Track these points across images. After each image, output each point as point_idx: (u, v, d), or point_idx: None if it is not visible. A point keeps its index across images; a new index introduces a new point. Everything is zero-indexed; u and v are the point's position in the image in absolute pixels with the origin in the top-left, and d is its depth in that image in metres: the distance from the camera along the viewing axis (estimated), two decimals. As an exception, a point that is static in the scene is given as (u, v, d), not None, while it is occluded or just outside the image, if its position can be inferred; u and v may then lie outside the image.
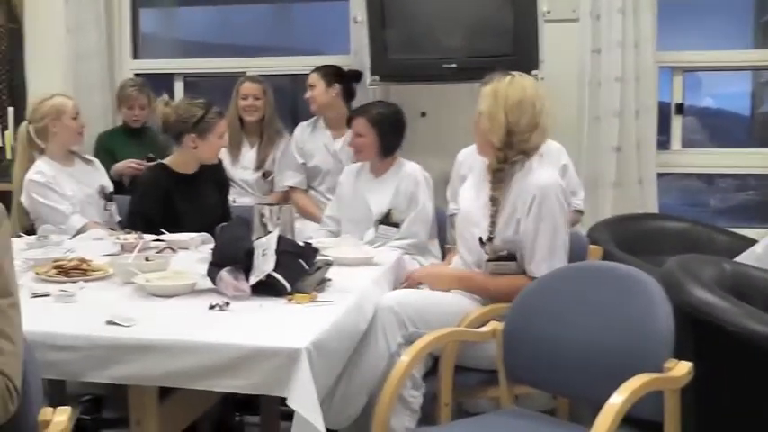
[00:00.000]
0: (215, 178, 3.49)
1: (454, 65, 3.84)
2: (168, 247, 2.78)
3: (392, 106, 3.59)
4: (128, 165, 4.07)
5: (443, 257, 3.36)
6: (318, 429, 1.81)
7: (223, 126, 3.35)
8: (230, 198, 3.79)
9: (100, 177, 3.74)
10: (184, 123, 3.26)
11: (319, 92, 4.00)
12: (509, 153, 2.59)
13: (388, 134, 3.46)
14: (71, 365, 1.90)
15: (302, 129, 4.16)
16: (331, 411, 2.39)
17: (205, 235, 3.00)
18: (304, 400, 1.79)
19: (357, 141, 3.48)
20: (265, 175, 4.20)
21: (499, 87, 2.60)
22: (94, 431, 3.11)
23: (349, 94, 4.11)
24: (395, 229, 3.38)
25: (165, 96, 3.40)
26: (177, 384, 1.89)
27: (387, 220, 3.41)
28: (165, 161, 3.40)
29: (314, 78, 4.01)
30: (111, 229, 3.46)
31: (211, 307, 2.11)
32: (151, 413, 1.93)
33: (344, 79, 4.07)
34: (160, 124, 3.34)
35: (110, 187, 3.74)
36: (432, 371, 2.47)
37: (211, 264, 2.28)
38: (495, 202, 2.60)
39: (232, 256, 2.22)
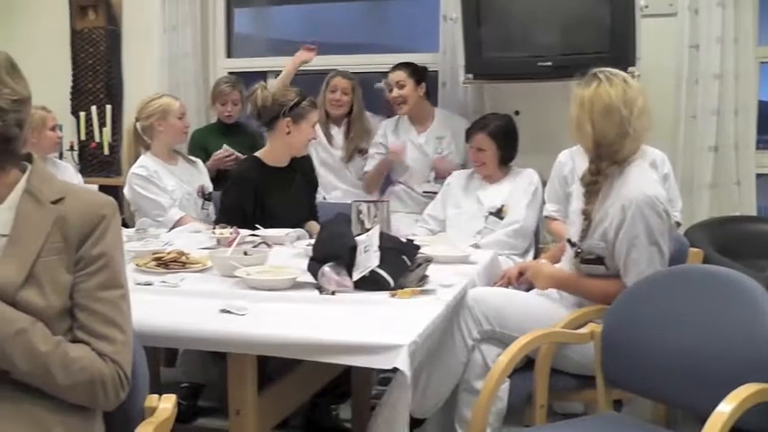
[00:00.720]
0: (304, 171, 3.53)
1: (549, 63, 3.78)
2: (263, 242, 2.81)
3: (504, 116, 3.66)
4: (215, 158, 4.14)
5: (536, 257, 3.35)
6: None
7: (316, 116, 3.40)
8: (320, 195, 3.85)
9: (201, 178, 3.84)
10: (281, 106, 3.28)
11: (410, 90, 3.99)
12: (601, 165, 2.48)
13: (506, 144, 3.59)
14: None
15: (385, 125, 4.20)
16: (414, 401, 2.41)
17: (300, 231, 3.05)
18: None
19: (479, 156, 3.60)
20: (361, 152, 4.23)
21: (585, 95, 2.46)
22: (190, 417, 3.19)
23: (428, 91, 4.14)
24: (502, 222, 3.48)
25: (263, 82, 3.46)
26: (285, 355, 1.90)
27: (498, 213, 3.51)
28: (257, 154, 3.44)
29: (402, 76, 3.99)
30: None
31: (320, 292, 2.16)
32: (250, 404, 1.95)
33: (426, 77, 4.09)
34: (258, 105, 3.32)
35: (209, 187, 3.83)
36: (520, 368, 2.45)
37: (312, 259, 2.30)
38: (586, 215, 2.52)
39: (334, 252, 2.24)
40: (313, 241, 2.55)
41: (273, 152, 3.38)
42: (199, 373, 3.14)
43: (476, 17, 3.85)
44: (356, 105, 4.21)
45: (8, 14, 5.12)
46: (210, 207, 3.77)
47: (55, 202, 1.55)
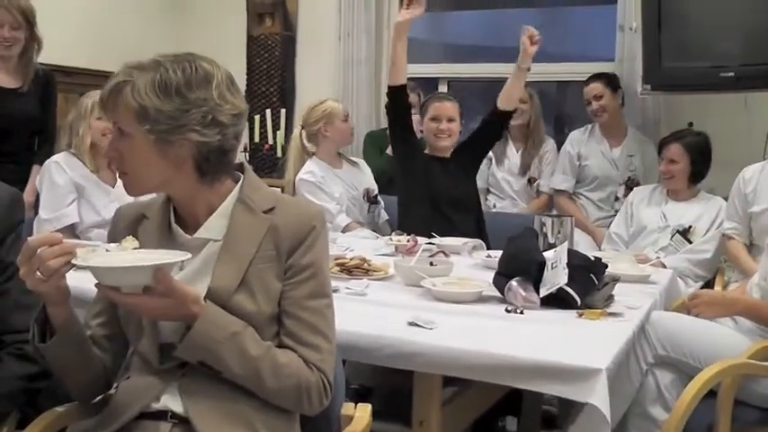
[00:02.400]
0: (464, 166, 3.66)
1: (731, 73, 3.62)
2: (441, 251, 2.82)
3: (700, 134, 3.61)
4: None
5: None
6: None
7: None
8: (490, 203, 3.85)
9: (365, 179, 3.91)
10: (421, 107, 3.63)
11: (608, 100, 4.02)
12: None
13: (699, 161, 3.53)
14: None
15: (578, 134, 4.19)
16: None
17: (476, 241, 3.06)
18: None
19: (671, 167, 3.57)
20: (530, 181, 4.20)
21: None
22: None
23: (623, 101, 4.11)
24: (689, 244, 3.42)
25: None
26: (478, 378, 1.89)
27: (685, 234, 3.45)
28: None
29: (599, 88, 4.03)
30: (374, 231, 3.60)
31: (507, 311, 2.15)
32: (434, 415, 1.97)
33: (621, 85, 4.06)
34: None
35: (375, 190, 3.88)
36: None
37: (498, 273, 2.29)
38: None
39: (521, 267, 2.22)
40: (492, 252, 2.55)
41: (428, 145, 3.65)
42: (367, 376, 3.19)
43: (657, 26, 3.74)
44: (533, 114, 4.19)
45: (188, 20, 5.41)
46: (376, 210, 3.83)
47: (267, 212, 1.61)
